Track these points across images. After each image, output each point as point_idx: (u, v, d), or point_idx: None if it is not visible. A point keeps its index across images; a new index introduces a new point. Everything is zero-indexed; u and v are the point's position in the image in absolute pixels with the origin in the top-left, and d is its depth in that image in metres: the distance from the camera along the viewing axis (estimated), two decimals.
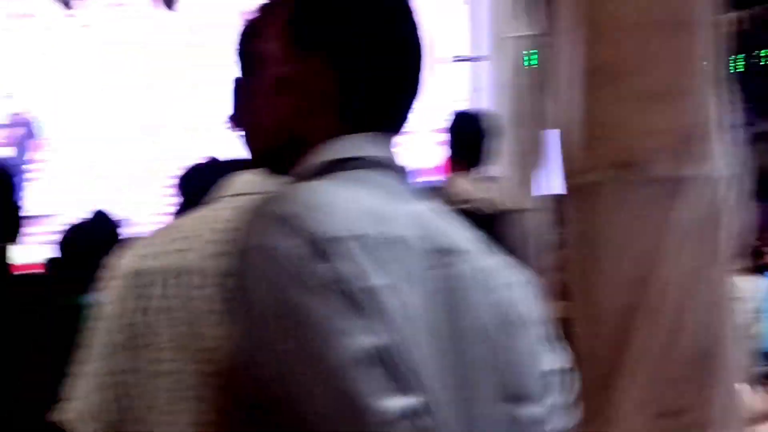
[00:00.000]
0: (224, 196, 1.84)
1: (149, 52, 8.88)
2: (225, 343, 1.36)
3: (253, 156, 1.57)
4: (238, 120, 1.65)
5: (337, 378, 1.18)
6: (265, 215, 1.26)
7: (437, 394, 1.27)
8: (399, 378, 1.22)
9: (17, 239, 2.71)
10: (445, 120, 4.57)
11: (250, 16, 1.59)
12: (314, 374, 1.18)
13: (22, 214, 2.77)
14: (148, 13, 8.70)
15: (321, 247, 1.22)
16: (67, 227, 4.16)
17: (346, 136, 1.42)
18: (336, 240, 1.23)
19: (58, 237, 4.13)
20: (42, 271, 4.28)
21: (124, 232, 4.22)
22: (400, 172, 1.45)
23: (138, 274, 1.72)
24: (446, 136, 4.52)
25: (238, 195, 1.81)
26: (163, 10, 8.30)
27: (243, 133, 1.62)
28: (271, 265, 1.21)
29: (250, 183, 1.81)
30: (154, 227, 1.88)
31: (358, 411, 1.18)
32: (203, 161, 3.22)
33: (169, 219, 3.13)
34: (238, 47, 1.61)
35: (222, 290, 1.41)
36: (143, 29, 8.88)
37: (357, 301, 1.21)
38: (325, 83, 1.42)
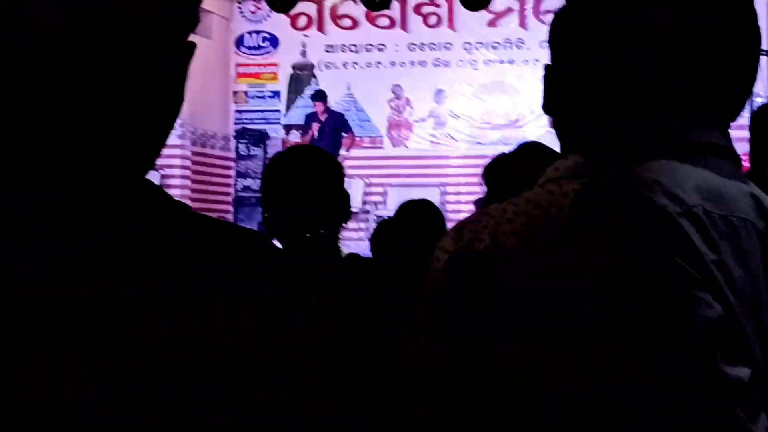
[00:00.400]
0: (552, 180, 1.80)
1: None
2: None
3: (570, 141, 1.63)
4: (548, 107, 1.70)
5: (694, 344, 1.21)
6: (608, 193, 1.30)
7: (761, 367, 1.28)
8: (740, 348, 1.24)
9: (346, 225, 2.88)
10: (749, 115, 4.57)
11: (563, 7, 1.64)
12: (670, 339, 1.21)
13: (349, 202, 2.92)
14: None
15: (668, 221, 1.25)
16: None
17: (691, 122, 1.43)
18: (683, 214, 1.25)
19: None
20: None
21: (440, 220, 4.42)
22: (735, 159, 1.46)
23: (459, 255, 1.77)
24: (749, 132, 4.51)
25: (564, 178, 1.78)
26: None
27: (556, 119, 1.68)
28: (624, 235, 1.25)
29: (577, 166, 1.77)
30: (466, 215, 1.94)
31: (715, 376, 1.20)
32: (510, 151, 3.39)
33: (477, 207, 3.35)
34: (549, 35, 1.67)
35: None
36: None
37: (703, 273, 1.23)
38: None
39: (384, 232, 4.12)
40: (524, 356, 1.67)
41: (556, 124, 1.76)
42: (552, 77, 1.71)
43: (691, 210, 1.26)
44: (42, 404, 1.07)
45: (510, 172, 3.13)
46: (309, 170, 2.86)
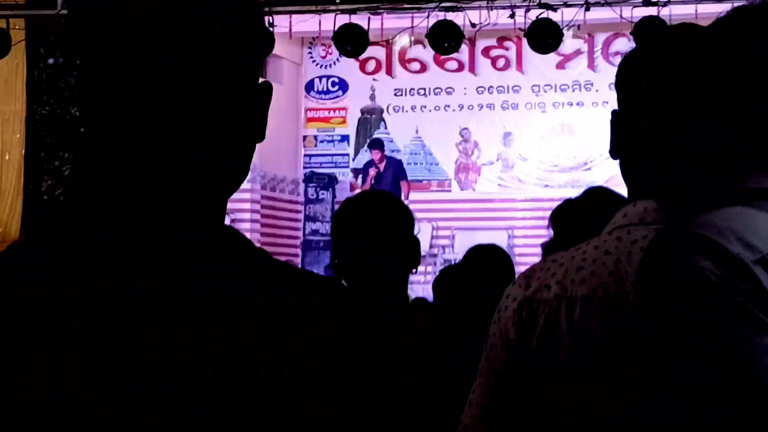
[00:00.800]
0: (620, 226, 1.80)
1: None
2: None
3: (637, 186, 1.63)
4: (616, 151, 1.71)
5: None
6: (683, 238, 1.28)
7: None
8: None
9: (416, 271, 2.90)
10: None
11: (630, 51, 1.66)
12: (742, 388, 1.20)
13: (419, 248, 2.94)
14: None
15: (742, 268, 1.23)
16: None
17: (756, 167, 1.40)
18: (758, 261, 1.24)
19: None
20: None
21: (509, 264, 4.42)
22: None
23: (527, 303, 1.78)
24: None
25: (633, 225, 1.77)
26: None
27: (624, 164, 1.68)
28: (691, 284, 1.24)
29: (647, 212, 1.76)
30: (536, 260, 1.92)
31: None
32: (577, 195, 3.40)
33: (545, 252, 3.34)
34: (616, 78, 1.68)
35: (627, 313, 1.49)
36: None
37: None
38: None
39: (447, 277, 4.12)
40: (568, 394, 1.69)
41: (623, 168, 1.76)
42: (619, 121, 1.72)
43: (765, 257, 1.25)
44: (42, 404, 1.08)
45: (577, 217, 3.13)
46: (381, 216, 2.89)
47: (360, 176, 15.97)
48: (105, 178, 1.17)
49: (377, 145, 15.16)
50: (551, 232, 3.36)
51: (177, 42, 1.16)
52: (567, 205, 3.40)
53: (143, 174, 1.17)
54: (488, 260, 4.35)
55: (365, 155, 16.08)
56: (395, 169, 15.01)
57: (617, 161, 1.76)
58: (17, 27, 11.38)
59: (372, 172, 14.86)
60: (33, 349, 1.09)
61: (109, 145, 1.17)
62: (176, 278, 1.13)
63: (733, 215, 1.31)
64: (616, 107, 1.72)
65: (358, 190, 15.57)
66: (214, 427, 1.10)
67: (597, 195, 3.21)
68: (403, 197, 14.56)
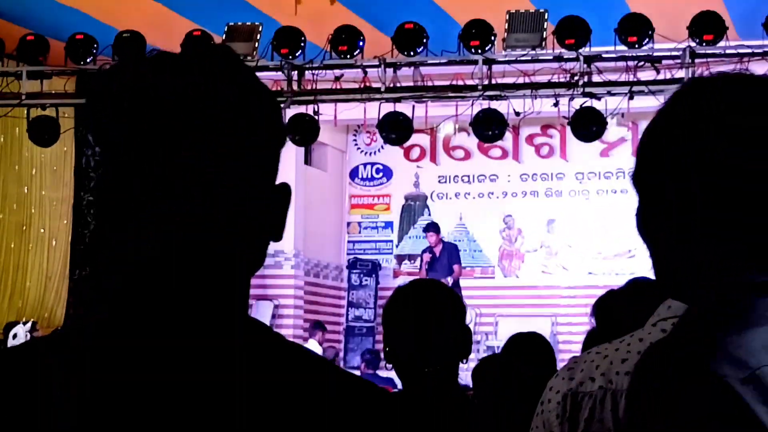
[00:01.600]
0: (664, 318, 1.77)
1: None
2: None
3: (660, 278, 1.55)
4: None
5: None
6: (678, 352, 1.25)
7: None
8: None
9: (466, 360, 2.91)
10: None
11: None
12: None
13: (471, 338, 2.95)
14: None
15: (726, 390, 1.17)
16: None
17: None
18: (746, 380, 1.18)
19: None
20: None
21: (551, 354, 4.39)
22: None
23: (571, 396, 1.77)
24: None
25: (677, 317, 1.69)
26: None
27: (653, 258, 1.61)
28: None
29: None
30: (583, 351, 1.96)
31: None
32: (620, 286, 3.38)
33: (588, 343, 3.31)
34: (633, 176, 1.66)
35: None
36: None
37: None
38: None
39: (487, 366, 4.11)
40: None
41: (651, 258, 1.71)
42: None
43: (754, 373, 1.17)
44: None
45: (620, 308, 3.12)
46: (432, 306, 2.91)
47: (404, 262, 15.99)
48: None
49: (433, 228, 15.03)
50: (594, 321, 3.35)
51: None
52: (610, 295, 3.39)
53: (147, 185, 1.19)
54: (529, 349, 4.33)
55: (408, 242, 16.11)
56: (449, 253, 14.90)
57: None
58: (66, 115, 11.57)
59: (426, 257, 14.74)
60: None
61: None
62: (200, 373, 1.17)
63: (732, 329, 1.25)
64: None
65: (401, 277, 15.57)
66: None
67: (640, 286, 3.20)
68: (452, 280, 14.49)
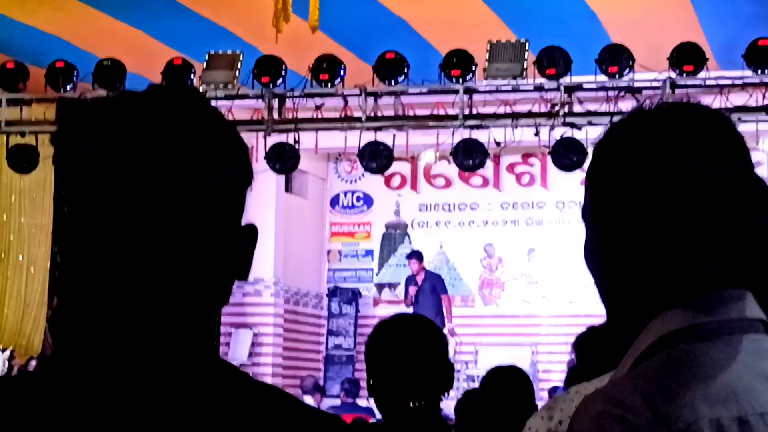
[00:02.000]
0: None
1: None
2: None
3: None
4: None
5: None
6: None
7: None
8: None
9: (448, 394, 2.95)
10: None
11: None
12: None
13: (453, 373, 3.00)
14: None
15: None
16: None
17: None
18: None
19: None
20: None
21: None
22: None
23: None
24: None
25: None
26: None
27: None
28: None
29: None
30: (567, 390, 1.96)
31: None
32: (601, 324, 3.36)
33: (569, 380, 3.30)
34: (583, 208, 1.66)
35: None
36: None
37: None
38: None
39: (468, 403, 4.10)
40: None
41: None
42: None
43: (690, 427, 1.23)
44: None
45: (601, 345, 3.12)
46: (416, 341, 2.95)
47: (384, 291, 15.95)
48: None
49: (416, 255, 14.79)
50: (574, 357, 3.34)
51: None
52: (590, 332, 3.38)
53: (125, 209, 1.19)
54: (507, 383, 4.33)
55: (389, 270, 16.08)
56: (433, 283, 14.70)
57: None
58: (46, 143, 11.54)
59: (412, 290, 14.49)
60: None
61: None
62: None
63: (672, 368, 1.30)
64: None
65: (381, 305, 15.53)
66: None
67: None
68: (445, 312, 14.34)
